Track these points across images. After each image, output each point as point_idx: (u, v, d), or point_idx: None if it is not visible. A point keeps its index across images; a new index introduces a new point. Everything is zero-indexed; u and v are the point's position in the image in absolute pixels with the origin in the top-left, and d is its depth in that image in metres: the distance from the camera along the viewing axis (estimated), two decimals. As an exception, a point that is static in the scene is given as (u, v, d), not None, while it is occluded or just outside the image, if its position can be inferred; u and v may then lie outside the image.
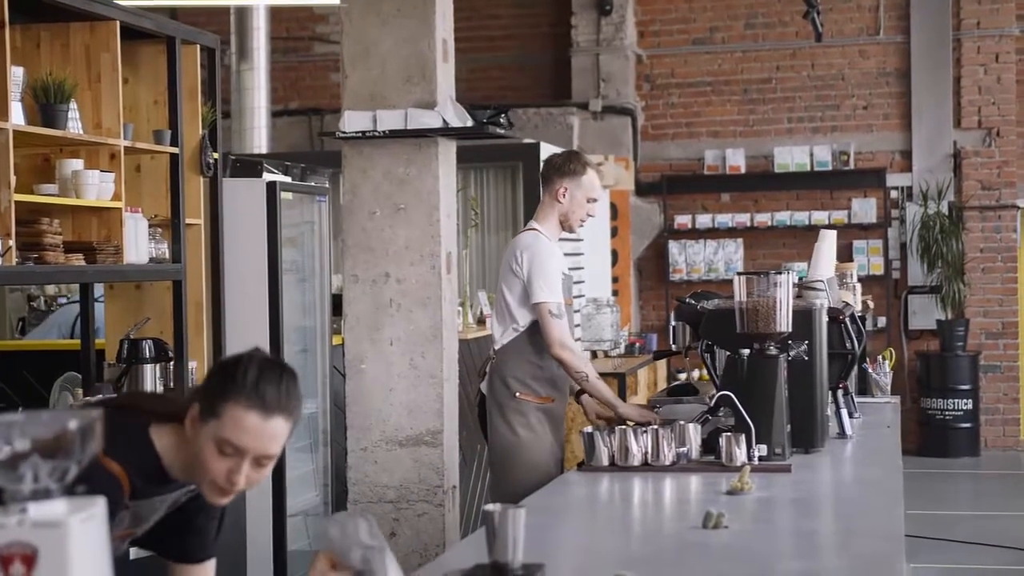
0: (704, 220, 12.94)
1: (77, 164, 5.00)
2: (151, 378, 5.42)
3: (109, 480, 2.55)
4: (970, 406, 12.29)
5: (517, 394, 5.25)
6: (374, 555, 2.44)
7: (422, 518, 5.64)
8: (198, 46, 5.87)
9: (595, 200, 5.41)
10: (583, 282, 10.50)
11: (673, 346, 5.14)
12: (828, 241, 5.59)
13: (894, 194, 12.79)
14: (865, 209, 12.69)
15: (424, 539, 5.62)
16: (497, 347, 5.36)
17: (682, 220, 13.00)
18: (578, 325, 9.83)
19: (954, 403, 12.27)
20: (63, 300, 8.33)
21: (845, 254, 12.42)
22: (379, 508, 5.57)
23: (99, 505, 1.75)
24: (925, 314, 12.63)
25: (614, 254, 12.39)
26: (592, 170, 5.40)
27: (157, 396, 2.74)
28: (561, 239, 8.32)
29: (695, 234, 12.99)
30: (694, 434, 4.30)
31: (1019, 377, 12.74)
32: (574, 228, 5.44)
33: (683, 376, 11.59)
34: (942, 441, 12.28)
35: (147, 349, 5.43)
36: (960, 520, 9.66)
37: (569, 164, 5.38)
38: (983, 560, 8.31)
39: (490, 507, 2.72)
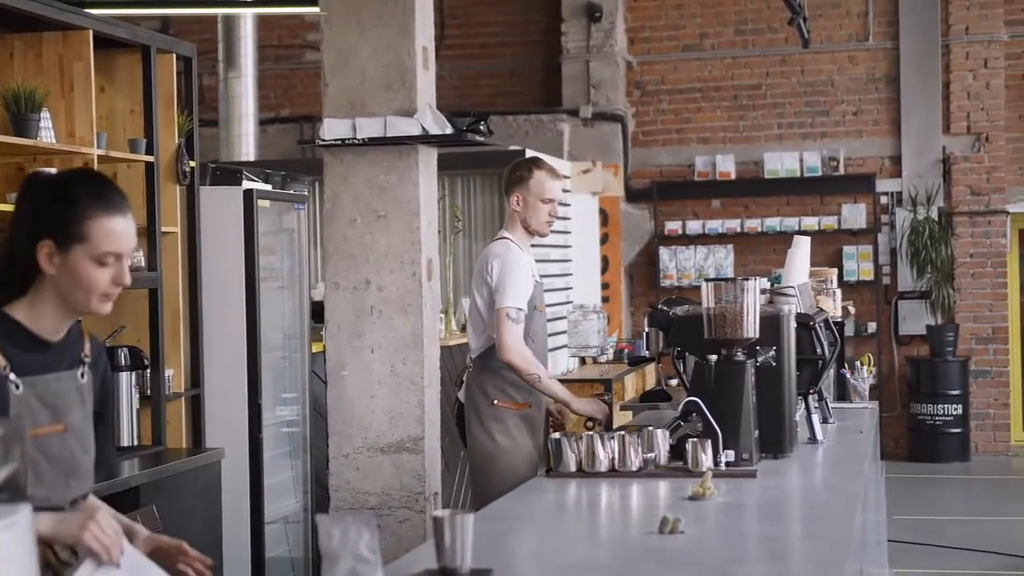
0: (694, 226, 12.95)
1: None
2: (127, 386, 5.43)
3: None
4: (960, 411, 12.30)
5: (495, 402, 5.29)
6: (367, 569, 2.43)
7: (404, 524, 5.66)
8: (174, 55, 5.88)
9: (551, 200, 5.41)
10: (571, 288, 10.52)
11: (647, 352, 5.16)
12: (802, 248, 5.61)
13: (884, 200, 12.80)
14: (855, 215, 12.69)
15: (406, 545, 5.63)
16: (474, 355, 5.41)
17: (672, 226, 13.02)
18: (563, 332, 9.86)
19: (944, 408, 12.27)
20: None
21: (834, 259, 12.44)
22: (360, 515, 5.58)
23: (23, 513, 1.77)
24: (915, 319, 12.64)
25: (604, 260, 12.41)
26: (541, 171, 5.42)
27: None
28: (545, 245, 8.33)
29: (686, 240, 13.01)
30: (662, 440, 4.30)
31: (1009, 382, 12.75)
32: (541, 231, 5.45)
33: (674, 383, 11.59)
34: (932, 446, 12.28)
35: (123, 357, 5.44)
36: (950, 525, 9.66)
37: (515, 172, 5.43)
38: (971, 565, 8.31)
39: (438, 513, 2.74)
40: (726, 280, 4.40)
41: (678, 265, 13.00)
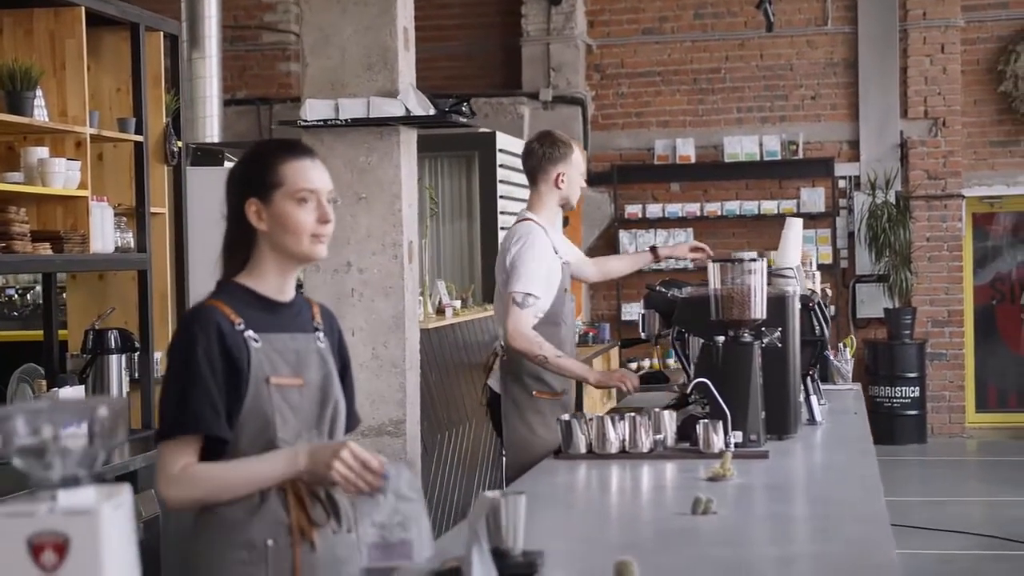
0: (654, 210, 12.99)
1: (43, 152, 4.93)
2: (116, 369, 5.35)
3: (208, 310, 2.84)
4: (917, 393, 12.43)
5: (534, 393, 5.12)
6: (411, 508, 2.46)
7: (385, 507, 5.62)
8: (161, 33, 5.80)
9: (583, 174, 5.34)
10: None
11: (643, 334, 5.13)
12: (795, 229, 5.63)
13: (842, 183, 12.89)
14: (813, 198, 12.78)
15: (387, 528, 5.60)
16: (503, 343, 5.16)
17: (632, 210, 13.04)
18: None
19: (901, 390, 12.40)
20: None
21: (794, 243, 12.50)
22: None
23: (126, 493, 1.73)
24: (873, 302, 12.75)
25: (565, 244, 12.39)
26: (575, 144, 5.31)
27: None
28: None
29: (645, 224, 13.04)
30: (669, 422, 4.31)
31: (964, 364, 12.90)
32: (575, 205, 5.38)
33: (635, 364, 11.63)
34: (889, 428, 12.39)
35: (112, 339, 5.36)
36: (908, 506, 9.76)
37: (558, 149, 5.23)
38: (931, 545, 8.40)
39: (491, 493, 2.71)
40: (733, 261, 4.40)
41: (638, 248, 13.01)
